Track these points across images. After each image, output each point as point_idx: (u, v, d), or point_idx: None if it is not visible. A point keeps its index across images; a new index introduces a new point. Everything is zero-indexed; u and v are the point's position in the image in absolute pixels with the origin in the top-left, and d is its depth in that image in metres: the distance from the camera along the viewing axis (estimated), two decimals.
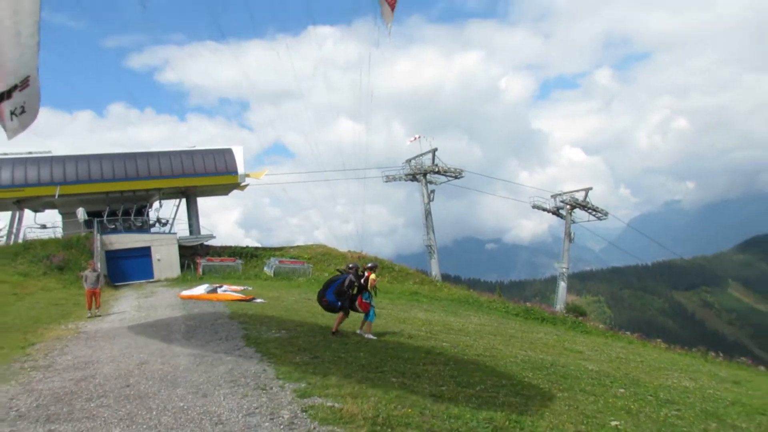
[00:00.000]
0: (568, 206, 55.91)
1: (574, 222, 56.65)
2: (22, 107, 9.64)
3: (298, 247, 49.15)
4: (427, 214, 53.75)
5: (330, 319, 15.06)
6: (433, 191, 53.70)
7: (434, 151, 52.78)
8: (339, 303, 13.25)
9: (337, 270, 14.12)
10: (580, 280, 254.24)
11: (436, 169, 52.90)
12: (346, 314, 13.53)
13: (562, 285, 55.51)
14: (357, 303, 13.42)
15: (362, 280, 13.40)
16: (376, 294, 13.76)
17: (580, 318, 37.09)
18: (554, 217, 58.15)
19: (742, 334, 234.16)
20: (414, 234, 56.29)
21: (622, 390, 11.25)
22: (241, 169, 43.98)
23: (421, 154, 53.87)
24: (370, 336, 13.71)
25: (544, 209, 57.17)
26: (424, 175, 53.58)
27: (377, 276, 13.96)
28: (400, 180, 55.42)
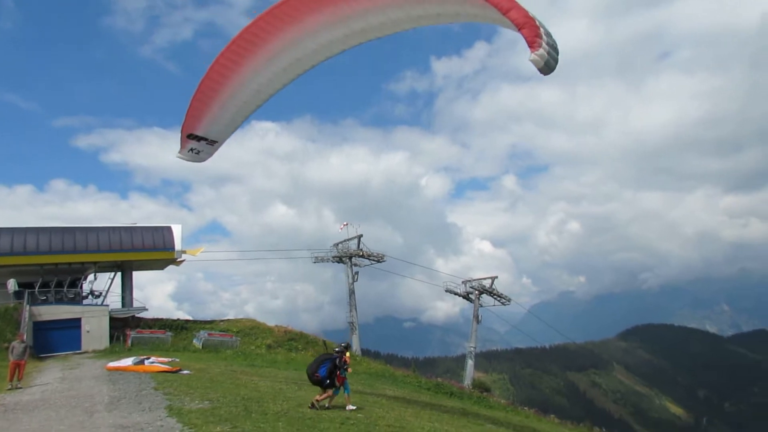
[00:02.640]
0: (476, 292, 57.13)
1: (481, 306, 57.75)
2: (198, 151, 13.79)
3: (227, 320, 47.36)
4: (351, 293, 53.55)
5: (253, 390, 14.51)
6: (357, 273, 53.84)
7: (360, 237, 53.42)
8: (328, 380, 13.72)
9: (332, 350, 14.45)
10: (486, 359, 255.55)
11: (361, 253, 53.31)
12: (335, 390, 14.02)
13: (470, 363, 55.75)
14: (336, 378, 13.95)
15: (338, 360, 13.97)
16: (346, 369, 14.21)
17: (485, 393, 37.18)
18: (465, 300, 59.13)
19: (624, 412, 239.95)
20: (338, 311, 55.68)
21: None
22: (178, 246, 42.70)
23: (348, 239, 54.34)
24: (351, 407, 14.22)
25: (456, 293, 58.15)
26: (350, 258, 53.82)
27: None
28: (327, 261, 55.44)
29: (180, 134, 14.18)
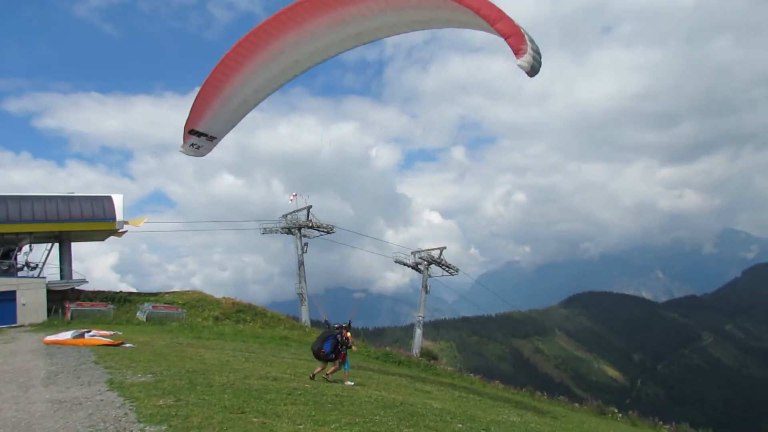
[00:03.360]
0: (425, 262, 57.98)
1: (430, 276, 58.71)
2: (198, 147, 14.84)
3: (173, 293, 46.39)
4: (300, 264, 53.36)
5: (198, 363, 14.33)
6: (306, 244, 53.62)
7: (309, 208, 53.01)
8: (333, 354, 14.93)
9: (335, 326, 15.55)
10: (435, 328, 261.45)
11: (310, 225, 53.00)
12: (339, 364, 15.27)
13: (419, 332, 56.87)
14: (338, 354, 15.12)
15: (340, 336, 15.06)
16: (349, 347, 15.41)
17: (432, 361, 38.12)
18: (414, 271, 59.93)
19: (565, 376, 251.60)
20: (288, 282, 55.31)
21: (460, 425, 11.73)
22: (119, 216, 41.24)
23: (297, 210, 53.86)
24: (349, 382, 15.22)
25: (405, 264, 58.83)
26: (299, 229, 53.45)
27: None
28: (276, 233, 54.91)
29: (183, 130, 15.31)
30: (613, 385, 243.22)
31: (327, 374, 15.02)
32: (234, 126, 16.37)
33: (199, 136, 15.78)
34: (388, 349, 38.24)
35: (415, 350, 52.24)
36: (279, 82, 15.21)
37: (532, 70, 10.75)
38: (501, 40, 10.94)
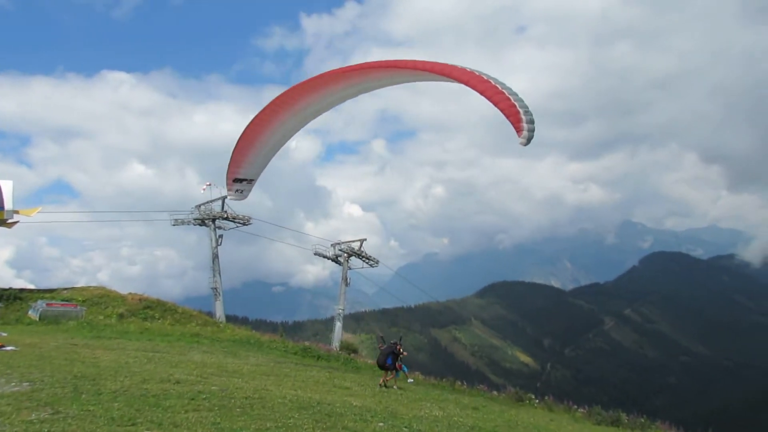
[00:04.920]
0: (345, 254, 57.12)
1: (350, 268, 57.95)
2: (242, 191, 17.95)
3: (72, 288, 42.65)
4: (215, 257, 50.87)
5: (90, 366, 12.69)
6: (221, 236, 51.16)
7: (224, 198, 50.47)
8: (393, 365, 18.42)
9: (391, 342, 18.94)
10: (355, 320, 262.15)
11: (225, 216, 50.55)
12: (395, 372, 18.77)
13: (338, 325, 56.04)
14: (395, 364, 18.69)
15: (395, 350, 18.66)
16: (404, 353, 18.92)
17: (352, 355, 37.41)
18: (334, 263, 58.94)
19: (481, 363, 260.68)
20: (204, 276, 52.81)
21: (381, 424, 10.99)
22: (8, 205, 37.16)
23: (211, 201, 51.21)
24: (410, 380, 20.73)
25: (325, 256, 57.69)
26: (213, 220, 50.87)
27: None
28: (188, 224, 51.98)
29: (225, 179, 18.97)
30: (525, 371, 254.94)
31: (384, 380, 18.28)
32: (266, 166, 19.75)
33: (241, 182, 19.17)
34: (307, 343, 37.05)
35: (335, 344, 51.34)
36: (301, 127, 18.60)
37: (528, 142, 12.51)
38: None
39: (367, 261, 57.85)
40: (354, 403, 12.90)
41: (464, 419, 13.61)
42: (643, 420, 21.08)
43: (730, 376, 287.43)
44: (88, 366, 14.42)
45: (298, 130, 18.66)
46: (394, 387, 18.38)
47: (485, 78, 12.85)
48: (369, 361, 35.95)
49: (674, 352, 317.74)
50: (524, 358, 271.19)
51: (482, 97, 13.44)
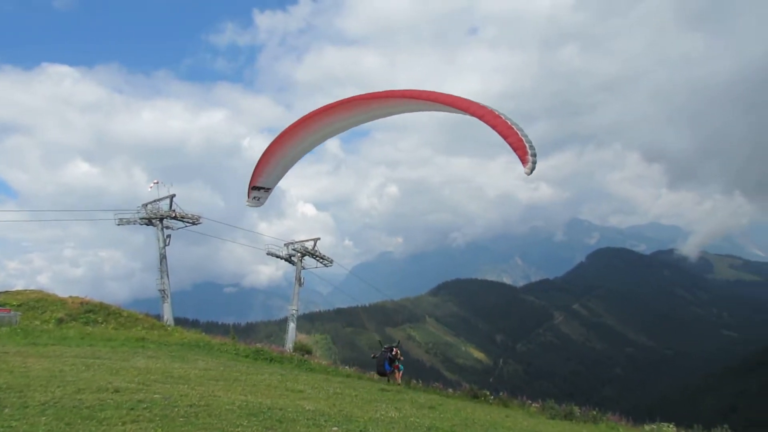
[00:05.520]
0: (299, 254, 56.22)
1: (304, 268, 57.05)
2: (259, 198, 19.34)
3: (5, 292, 40.20)
4: (162, 258, 49.04)
5: (19, 376, 11.69)
6: (169, 236, 49.37)
7: (172, 197, 48.80)
8: (391, 369, 20.17)
9: (384, 348, 20.81)
10: (309, 321, 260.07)
11: (174, 215, 48.83)
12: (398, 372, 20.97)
13: (292, 326, 55.06)
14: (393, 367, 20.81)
15: (391, 354, 20.51)
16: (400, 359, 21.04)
17: (306, 356, 36.68)
18: (288, 263, 57.89)
19: (436, 360, 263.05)
20: (152, 278, 50.88)
21: (335, 428, 10.53)
22: None
23: (159, 199, 49.36)
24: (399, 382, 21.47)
25: (278, 256, 56.61)
26: (161, 219, 49.04)
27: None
28: (134, 224, 49.96)
29: (247, 188, 20.25)
30: (479, 366, 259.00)
31: (393, 381, 20.22)
32: (282, 177, 21.48)
33: (259, 190, 20.71)
34: (259, 345, 36.06)
35: (288, 345, 50.40)
36: (318, 143, 20.42)
37: (531, 172, 13.63)
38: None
39: (320, 260, 57.11)
40: (307, 407, 12.36)
41: (421, 419, 13.30)
42: (594, 413, 21.38)
43: (671, 365, 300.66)
44: (17, 376, 13.33)
45: (317, 145, 20.79)
46: (399, 383, 20.63)
47: (497, 114, 14.64)
48: (323, 362, 35.36)
49: (620, 344, 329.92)
50: (477, 354, 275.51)
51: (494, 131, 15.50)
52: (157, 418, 9.46)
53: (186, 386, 13.66)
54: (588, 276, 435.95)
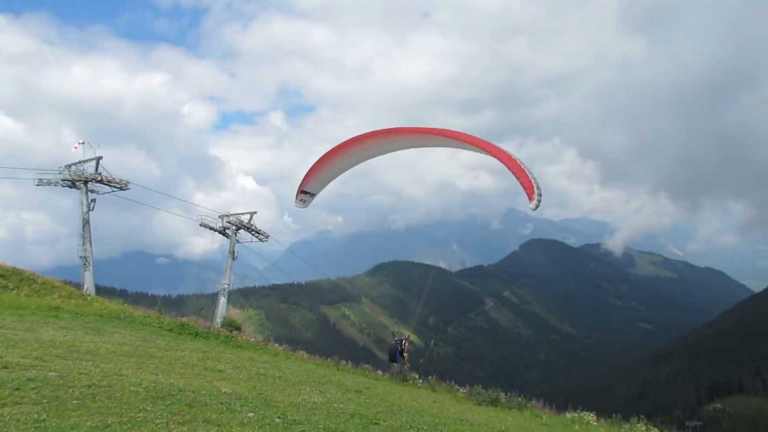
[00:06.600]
0: (233, 227, 54.37)
1: (239, 242, 55.26)
2: (304, 201, 22.72)
3: None
4: (86, 223, 46.01)
5: None
6: (94, 201, 46.34)
7: (99, 159, 45.73)
8: (401, 357, 23.12)
9: (396, 339, 24.02)
10: (243, 296, 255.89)
11: (99, 178, 45.80)
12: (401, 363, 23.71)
13: (223, 300, 53.31)
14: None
15: (401, 346, 23.80)
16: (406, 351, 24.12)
17: (234, 332, 35.44)
18: (222, 236, 55.89)
19: (368, 340, 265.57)
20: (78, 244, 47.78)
21: (251, 414, 9.73)
22: None
23: (84, 161, 46.16)
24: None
25: (212, 228, 54.47)
26: (85, 182, 45.93)
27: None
28: (56, 185, 46.58)
29: (296, 191, 22.51)
30: (410, 348, 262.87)
31: (406, 365, 23.11)
32: (326, 185, 23.74)
33: (306, 194, 22.87)
34: (184, 319, 34.51)
35: (217, 320, 48.81)
36: (363, 161, 22.76)
37: (536, 209, 16.11)
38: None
39: (256, 235, 55.48)
40: (223, 390, 11.50)
41: (345, 405, 12.71)
42: (519, 399, 21.55)
43: (590, 353, 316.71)
44: None
45: (361, 161, 23.17)
46: (405, 367, 23.52)
47: (514, 158, 17.13)
48: (251, 339, 34.27)
49: (545, 331, 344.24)
50: (410, 335, 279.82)
51: (500, 162, 18.13)
52: (45, 401, 8.35)
53: (90, 363, 12.45)
54: (520, 265, 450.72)
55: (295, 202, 24.24)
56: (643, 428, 19.48)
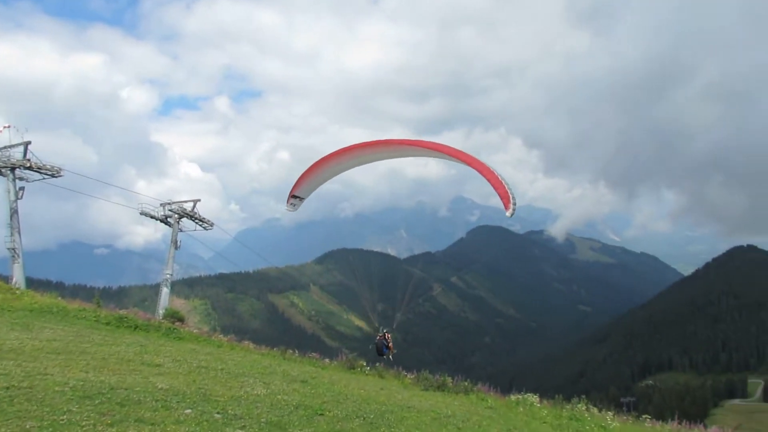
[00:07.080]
0: (176, 215, 52.52)
1: (182, 231, 53.44)
2: (294, 204, 23.76)
3: None
4: (14, 213, 43.27)
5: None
6: (22, 188, 43.65)
7: (27, 144, 43.00)
8: (386, 350, 22.45)
9: (379, 335, 23.03)
10: (188, 286, 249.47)
11: (28, 164, 43.11)
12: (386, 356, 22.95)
13: (165, 291, 51.49)
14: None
15: (385, 340, 22.81)
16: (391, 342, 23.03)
17: (177, 324, 34.30)
18: (165, 225, 53.90)
19: (317, 328, 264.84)
20: (4, 235, 45.01)
21: (188, 411, 9.27)
22: None
23: (11, 146, 43.31)
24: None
25: (153, 216, 52.37)
26: (12, 169, 43.16)
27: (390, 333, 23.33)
28: None
29: (287, 195, 23.22)
30: (358, 334, 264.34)
31: (393, 351, 22.61)
32: (315, 190, 24.23)
33: (296, 198, 23.37)
34: (123, 312, 33.06)
35: (159, 311, 47.19)
36: (347, 170, 23.35)
37: (512, 215, 16.59)
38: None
39: (200, 223, 53.78)
40: (159, 386, 10.93)
41: (289, 396, 12.39)
42: (466, 384, 21.81)
43: (533, 336, 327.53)
44: None
45: (351, 168, 23.71)
46: (393, 351, 23.24)
47: (491, 169, 17.74)
48: (195, 331, 33.27)
49: (491, 315, 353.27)
50: (358, 322, 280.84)
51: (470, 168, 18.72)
52: None
53: (12, 362, 11.58)
54: (467, 251, 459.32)
55: (286, 206, 24.82)
56: (584, 408, 20.03)
